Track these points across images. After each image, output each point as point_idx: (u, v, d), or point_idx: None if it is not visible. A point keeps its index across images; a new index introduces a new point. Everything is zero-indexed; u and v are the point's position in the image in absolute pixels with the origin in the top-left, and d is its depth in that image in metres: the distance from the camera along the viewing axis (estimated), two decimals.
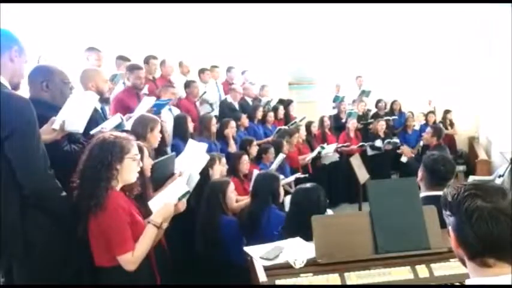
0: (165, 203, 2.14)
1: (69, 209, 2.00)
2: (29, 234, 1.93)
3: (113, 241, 1.92)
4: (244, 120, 5.69)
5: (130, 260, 1.93)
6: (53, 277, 1.97)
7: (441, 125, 7.64)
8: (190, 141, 3.56)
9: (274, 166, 4.81)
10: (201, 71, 6.61)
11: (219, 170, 3.66)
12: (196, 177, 2.57)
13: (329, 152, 6.30)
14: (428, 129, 5.30)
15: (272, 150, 5.05)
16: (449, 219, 1.18)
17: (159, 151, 3.19)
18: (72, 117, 2.21)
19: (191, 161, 3.21)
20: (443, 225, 2.01)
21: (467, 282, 1.16)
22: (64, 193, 2.02)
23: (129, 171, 2.03)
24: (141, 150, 2.48)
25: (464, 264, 1.19)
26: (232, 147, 4.87)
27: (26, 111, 1.90)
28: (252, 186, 3.33)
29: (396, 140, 7.00)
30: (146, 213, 2.27)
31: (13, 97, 1.91)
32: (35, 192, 1.91)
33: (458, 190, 1.16)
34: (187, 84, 5.63)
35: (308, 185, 2.85)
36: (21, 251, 1.91)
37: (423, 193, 2.41)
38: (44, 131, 2.12)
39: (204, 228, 3.09)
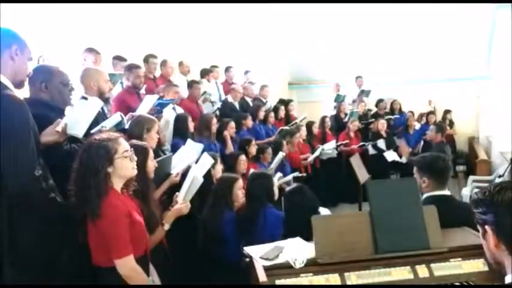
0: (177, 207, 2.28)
1: (60, 211, 1.99)
2: (17, 234, 1.91)
3: (111, 246, 1.91)
4: (249, 120, 5.69)
5: (128, 265, 1.91)
6: (44, 277, 1.96)
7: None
8: (188, 141, 3.56)
9: (273, 165, 4.80)
10: (205, 73, 6.62)
11: (220, 170, 3.67)
12: (200, 180, 2.57)
13: (328, 149, 6.30)
14: (432, 127, 5.45)
15: (270, 150, 5.04)
16: (485, 217, 1.21)
17: (154, 151, 3.18)
18: (74, 121, 2.21)
19: (192, 162, 3.22)
20: (443, 225, 2.01)
21: (507, 279, 1.18)
22: (53, 194, 2.00)
23: (124, 170, 2.00)
24: (145, 150, 2.48)
25: (499, 266, 1.21)
26: (230, 148, 4.85)
27: (15, 113, 1.88)
28: (246, 187, 3.33)
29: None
30: (147, 213, 2.28)
31: (5, 98, 1.89)
32: (19, 193, 1.89)
33: (487, 188, 1.22)
34: (190, 85, 5.64)
35: (293, 186, 2.87)
36: (6, 250, 1.89)
37: (428, 193, 2.40)
38: (48, 132, 2.11)
39: (207, 223, 3.08)
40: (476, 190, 1.29)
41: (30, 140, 1.94)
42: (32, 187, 1.92)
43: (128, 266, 1.92)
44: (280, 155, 4.93)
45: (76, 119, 2.24)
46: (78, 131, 2.24)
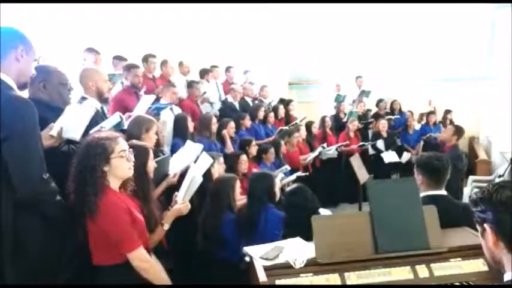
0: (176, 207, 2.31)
1: (64, 213, 1.99)
2: (21, 235, 1.91)
3: (118, 240, 1.91)
4: (247, 120, 5.69)
5: (140, 257, 1.93)
6: (46, 278, 1.96)
7: (441, 125, 7.70)
8: (188, 142, 3.56)
9: (276, 173, 4.78)
10: (205, 72, 6.61)
11: (219, 169, 3.66)
12: (199, 180, 2.57)
13: (329, 150, 6.30)
14: (450, 127, 5.12)
15: (272, 150, 5.04)
16: (484, 216, 1.22)
17: (153, 152, 3.18)
18: (69, 124, 2.19)
19: (191, 162, 3.22)
20: (446, 225, 2.01)
21: (506, 277, 1.19)
22: (59, 197, 1.99)
23: (120, 170, 2.00)
24: (146, 150, 2.48)
25: (497, 265, 1.23)
26: (229, 148, 4.84)
27: (26, 114, 1.87)
28: (247, 187, 3.33)
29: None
30: (147, 213, 2.27)
31: (14, 99, 1.88)
32: (28, 197, 1.88)
33: (486, 187, 1.24)
34: (190, 84, 5.64)
35: (293, 187, 2.87)
36: (10, 251, 1.89)
37: (424, 193, 2.40)
38: (42, 136, 2.11)
39: (207, 224, 3.08)
40: (476, 190, 1.30)
41: (39, 142, 1.94)
42: (41, 189, 1.92)
43: (140, 258, 1.94)
44: (286, 167, 4.93)
45: (72, 122, 2.21)
46: (75, 135, 2.22)
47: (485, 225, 1.23)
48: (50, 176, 2.00)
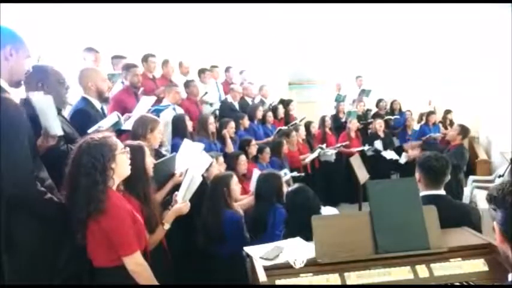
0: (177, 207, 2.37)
1: (58, 211, 1.98)
2: (15, 234, 1.91)
3: (118, 243, 1.91)
4: (245, 120, 5.69)
5: (135, 260, 1.93)
6: (43, 277, 1.95)
7: (441, 125, 7.69)
8: (185, 140, 3.56)
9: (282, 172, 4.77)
10: (202, 72, 6.61)
11: (216, 169, 3.66)
12: (199, 179, 2.57)
13: (328, 151, 6.30)
14: (456, 126, 5.16)
15: (268, 150, 5.03)
16: (495, 214, 1.23)
17: (155, 152, 3.18)
18: (48, 122, 2.16)
19: (192, 161, 3.22)
20: (443, 225, 2.01)
21: (510, 277, 1.20)
22: (49, 195, 1.98)
23: (124, 166, 2.02)
24: (142, 149, 2.48)
25: (507, 258, 1.25)
26: (229, 148, 4.84)
27: (10, 114, 1.86)
28: (255, 188, 3.33)
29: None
30: (148, 212, 2.27)
31: (0, 100, 1.86)
32: (16, 196, 1.87)
33: (503, 185, 1.23)
34: (187, 84, 5.63)
35: (294, 186, 2.88)
36: (4, 250, 1.89)
37: (422, 193, 2.41)
38: (39, 140, 2.10)
39: (208, 223, 3.08)
40: (475, 190, 1.32)
41: (25, 143, 1.92)
42: (30, 189, 1.91)
43: (135, 261, 1.93)
44: (284, 172, 4.93)
45: (48, 120, 2.17)
46: (57, 131, 2.19)
47: (494, 223, 1.24)
48: (46, 174, 1.99)
